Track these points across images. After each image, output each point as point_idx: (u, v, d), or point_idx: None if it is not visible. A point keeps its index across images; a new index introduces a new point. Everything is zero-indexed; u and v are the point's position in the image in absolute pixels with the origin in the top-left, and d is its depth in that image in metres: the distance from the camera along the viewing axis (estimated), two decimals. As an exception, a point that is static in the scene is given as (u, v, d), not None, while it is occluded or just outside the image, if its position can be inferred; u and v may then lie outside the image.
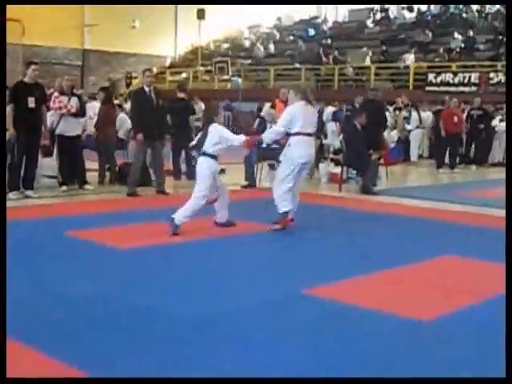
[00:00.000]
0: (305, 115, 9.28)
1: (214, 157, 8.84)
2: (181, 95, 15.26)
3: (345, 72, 29.88)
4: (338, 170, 14.59)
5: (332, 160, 15.32)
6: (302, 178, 9.95)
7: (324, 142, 16.43)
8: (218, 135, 8.78)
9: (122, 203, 11.59)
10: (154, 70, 36.83)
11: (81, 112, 12.70)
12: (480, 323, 5.60)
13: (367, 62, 30.08)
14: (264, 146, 10.17)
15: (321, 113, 22.43)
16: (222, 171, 15.80)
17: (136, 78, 35.42)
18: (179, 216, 8.66)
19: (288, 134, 9.32)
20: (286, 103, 14.95)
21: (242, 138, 8.97)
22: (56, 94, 12.56)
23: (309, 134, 9.37)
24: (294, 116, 9.23)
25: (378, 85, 26.49)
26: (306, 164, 9.54)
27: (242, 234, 9.17)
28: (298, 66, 31.39)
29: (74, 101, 12.50)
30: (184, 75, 35.30)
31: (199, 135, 9.09)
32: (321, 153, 15.59)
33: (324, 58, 31.55)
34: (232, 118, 29.38)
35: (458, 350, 4.96)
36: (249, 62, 34.53)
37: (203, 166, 8.83)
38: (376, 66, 28.97)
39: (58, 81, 13.60)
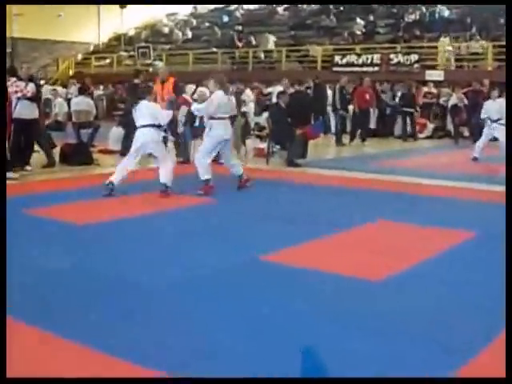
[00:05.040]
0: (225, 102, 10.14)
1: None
2: (136, 81, 15.11)
3: (257, 55, 29.77)
4: (263, 145, 14.58)
5: (257, 136, 15.28)
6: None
7: (249, 119, 16.34)
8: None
9: (67, 183, 11.30)
10: (79, 56, 36.33)
11: (36, 97, 12.21)
12: (431, 279, 5.69)
13: (272, 45, 30.03)
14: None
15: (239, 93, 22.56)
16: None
17: (65, 63, 34.86)
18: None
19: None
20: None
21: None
22: (14, 79, 11.91)
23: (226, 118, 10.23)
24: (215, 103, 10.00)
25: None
26: (227, 141, 10.29)
27: (183, 206, 9.14)
28: (214, 50, 31.17)
29: (31, 86, 11.99)
30: (108, 60, 34.65)
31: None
32: (246, 130, 15.53)
33: (238, 43, 31.37)
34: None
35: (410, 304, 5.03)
36: (168, 47, 34.08)
37: None
38: (287, 49, 28.93)
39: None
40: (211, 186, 9.94)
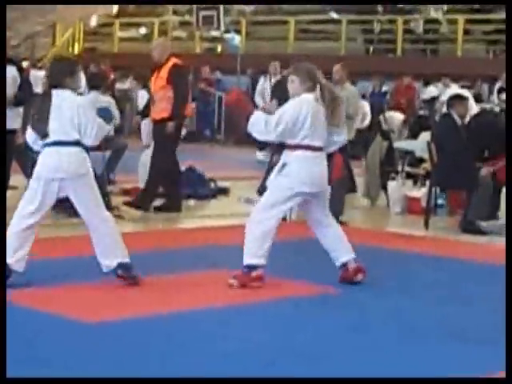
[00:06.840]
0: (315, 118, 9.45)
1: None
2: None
3: (412, 28, 29.96)
4: (419, 192, 14.53)
5: (409, 176, 15.22)
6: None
7: (396, 144, 16.30)
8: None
9: (62, 246, 11.42)
10: (93, 20, 37.16)
11: (21, 93, 12.58)
12: None
13: (440, 13, 30.19)
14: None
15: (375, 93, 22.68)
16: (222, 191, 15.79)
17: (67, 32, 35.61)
18: None
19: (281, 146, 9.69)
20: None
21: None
22: None
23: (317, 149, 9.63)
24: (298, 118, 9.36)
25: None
26: (316, 195, 9.67)
27: (282, 295, 9.22)
28: (335, 16, 31.47)
29: (10, 72, 12.32)
30: (143, 30, 35.45)
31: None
32: (390, 164, 15.51)
33: (377, 6, 31.65)
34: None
35: None
36: (252, 8, 34.58)
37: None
38: (466, 19, 28.89)
39: None
40: (258, 275, 9.45)
